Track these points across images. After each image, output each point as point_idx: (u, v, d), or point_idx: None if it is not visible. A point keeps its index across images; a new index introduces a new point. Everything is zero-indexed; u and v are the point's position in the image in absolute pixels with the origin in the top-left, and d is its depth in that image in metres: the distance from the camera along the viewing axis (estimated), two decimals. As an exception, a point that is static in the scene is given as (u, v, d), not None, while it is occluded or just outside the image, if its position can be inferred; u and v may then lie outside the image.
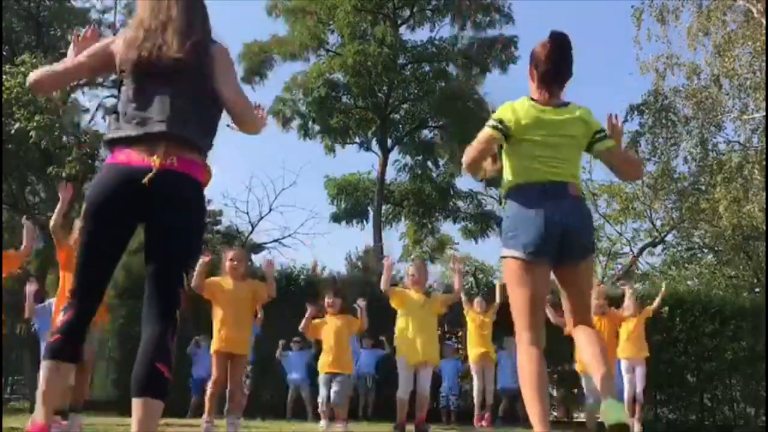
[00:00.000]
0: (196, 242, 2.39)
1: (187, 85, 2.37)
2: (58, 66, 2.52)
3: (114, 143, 2.35)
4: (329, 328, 6.68)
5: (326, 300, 6.79)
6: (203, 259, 5.36)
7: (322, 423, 6.87)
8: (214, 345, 5.43)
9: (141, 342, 2.22)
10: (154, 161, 2.24)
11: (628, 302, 7.52)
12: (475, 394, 8.68)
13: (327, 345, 6.69)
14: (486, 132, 3.02)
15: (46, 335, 2.42)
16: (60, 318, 2.30)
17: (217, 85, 2.42)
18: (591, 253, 3.02)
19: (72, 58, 2.53)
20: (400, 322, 6.21)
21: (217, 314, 5.49)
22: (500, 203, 24.12)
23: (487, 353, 8.49)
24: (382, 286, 6.17)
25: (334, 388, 6.66)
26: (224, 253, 5.89)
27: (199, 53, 2.39)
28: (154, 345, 2.20)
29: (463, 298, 7.70)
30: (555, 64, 3.03)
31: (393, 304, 6.25)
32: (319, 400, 6.87)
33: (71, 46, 2.62)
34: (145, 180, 2.21)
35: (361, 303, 6.74)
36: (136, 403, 2.11)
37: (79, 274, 2.35)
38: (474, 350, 8.49)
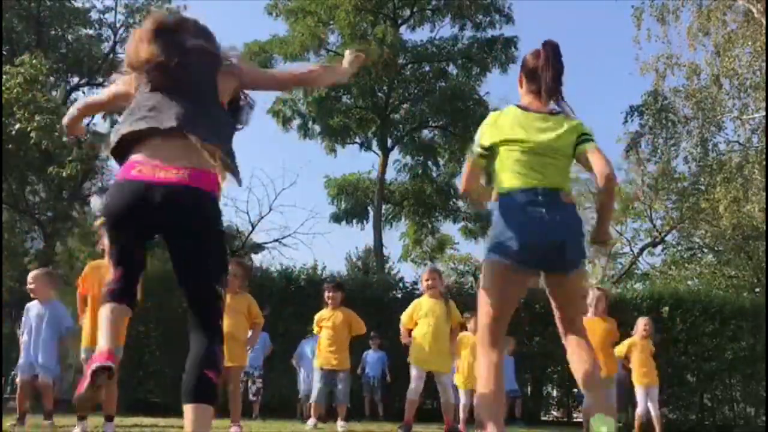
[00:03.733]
0: (218, 254, 2.35)
1: (200, 96, 2.38)
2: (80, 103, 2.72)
3: (122, 144, 2.34)
4: (328, 322, 6.64)
5: (326, 294, 6.75)
6: None
7: (310, 423, 6.80)
8: None
9: (189, 353, 2.24)
10: (167, 176, 2.21)
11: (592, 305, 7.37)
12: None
13: (325, 339, 6.63)
14: (472, 160, 3.10)
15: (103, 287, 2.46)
16: (110, 275, 2.35)
17: (255, 84, 2.60)
18: (579, 266, 2.94)
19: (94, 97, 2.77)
20: (415, 332, 6.15)
21: None
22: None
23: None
24: (404, 340, 6.18)
25: (338, 386, 6.63)
26: None
27: (211, 65, 2.45)
28: (202, 354, 2.21)
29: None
30: (545, 73, 2.99)
31: (410, 326, 6.18)
32: (313, 395, 6.75)
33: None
34: (157, 198, 2.19)
35: None
36: (188, 409, 2.14)
37: (115, 266, 2.35)
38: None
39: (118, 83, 2.58)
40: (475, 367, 2.94)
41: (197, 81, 2.41)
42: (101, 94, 2.71)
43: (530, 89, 3.07)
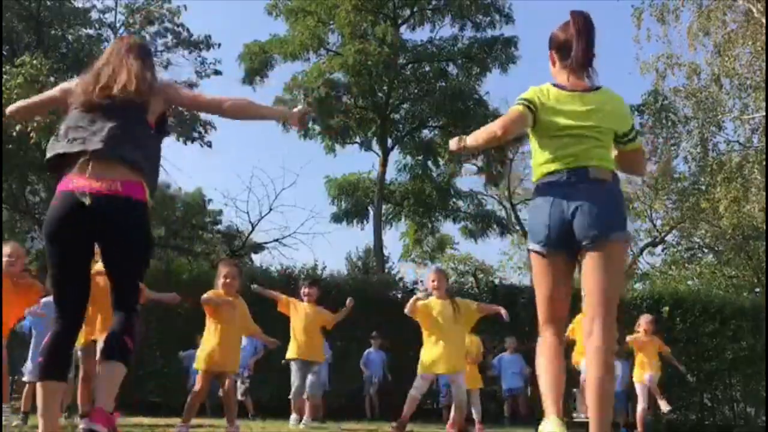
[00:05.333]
0: (144, 256, 2.73)
1: (128, 117, 2.71)
2: (21, 103, 3.07)
3: (55, 161, 2.67)
4: (300, 314, 6.77)
5: (303, 289, 6.89)
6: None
7: (293, 419, 6.80)
8: (202, 364, 5.33)
9: (111, 324, 2.66)
10: (99, 186, 2.54)
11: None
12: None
13: (297, 331, 6.78)
14: (515, 109, 2.86)
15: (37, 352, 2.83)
16: (45, 340, 2.64)
17: (184, 104, 3.05)
18: (604, 239, 2.69)
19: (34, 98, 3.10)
20: (425, 337, 6.08)
21: (209, 329, 5.44)
22: (501, 204, 24.17)
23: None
24: (407, 309, 6.03)
25: (311, 378, 6.73)
26: (219, 267, 5.69)
27: (142, 89, 2.75)
28: (122, 324, 2.62)
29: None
30: (581, 44, 2.85)
31: (417, 319, 6.12)
32: (293, 389, 6.78)
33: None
34: (87, 201, 2.51)
35: (349, 303, 6.82)
36: (104, 365, 2.56)
37: (56, 296, 2.69)
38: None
39: (56, 90, 2.97)
40: (536, 356, 2.88)
41: (125, 103, 2.72)
42: (42, 96, 3.09)
43: (564, 65, 2.92)
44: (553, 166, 2.83)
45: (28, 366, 6.33)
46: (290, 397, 6.93)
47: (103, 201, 2.54)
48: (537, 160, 2.91)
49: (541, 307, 2.87)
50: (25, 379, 6.64)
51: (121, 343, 2.57)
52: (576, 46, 2.85)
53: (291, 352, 6.83)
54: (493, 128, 2.87)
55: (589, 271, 2.73)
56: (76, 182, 2.57)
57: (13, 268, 4.81)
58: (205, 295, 5.34)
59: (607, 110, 2.86)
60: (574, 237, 2.74)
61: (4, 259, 4.80)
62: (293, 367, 6.81)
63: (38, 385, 2.56)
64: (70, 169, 2.62)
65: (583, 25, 2.87)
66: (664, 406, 7.71)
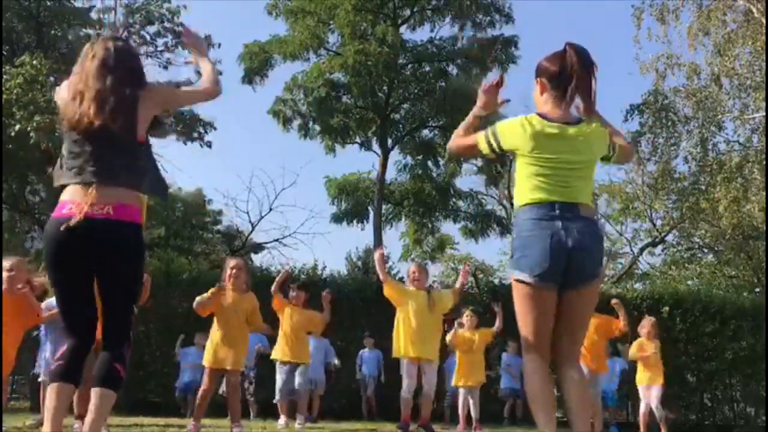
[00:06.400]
0: (137, 278, 2.78)
1: (114, 140, 2.69)
2: None
3: (62, 188, 2.73)
4: (288, 318, 6.81)
5: (290, 293, 6.93)
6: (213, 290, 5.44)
7: (281, 421, 6.84)
8: (208, 361, 5.38)
9: (102, 350, 2.71)
10: (88, 209, 2.59)
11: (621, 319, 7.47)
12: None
13: (284, 334, 6.84)
14: (480, 140, 2.95)
15: (50, 359, 2.85)
16: (61, 348, 2.72)
17: (167, 105, 2.92)
18: (592, 280, 2.85)
19: None
20: (397, 318, 6.23)
21: (215, 327, 5.46)
22: (501, 204, 24.16)
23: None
24: (380, 275, 6.23)
25: (298, 379, 6.81)
26: (226, 261, 5.75)
27: (117, 115, 2.69)
28: (114, 351, 2.70)
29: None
30: (583, 78, 2.85)
31: (386, 293, 6.26)
32: (278, 389, 6.86)
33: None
34: (74, 223, 2.56)
35: (325, 296, 6.83)
36: (95, 392, 2.61)
37: (65, 319, 2.74)
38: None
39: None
40: (525, 384, 2.95)
41: (119, 130, 2.70)
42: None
43: (553, 96, 2.92)
44: (544, 196, 2.83)
45: (41, 364, 6.33)
46: (275, 400, 7.02)
47: (96, 225, 2.59)
48: (524, 186, 2.89)
49: (530, 338, 2.86)
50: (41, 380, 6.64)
51: (113, 371, 2.65)
52: (577, 82, 2.84)
53: (277, 353, 6.92)
54: (455, 136, 3.06)
55: (577, 307, 2.87)
56: (69, 208, 2.64)
57: (13, 283, 4.50)
58: (194, 304, 5.40)
59: (592, 141, 2.92)
60: (569, 272, 2.79)
61: (5, 274, 4.48)
62: (279, 368, 6.88)
63: (50, 386, 2.64)
64: (70, 192, 2.70)
65: (584, 58, 2.86)
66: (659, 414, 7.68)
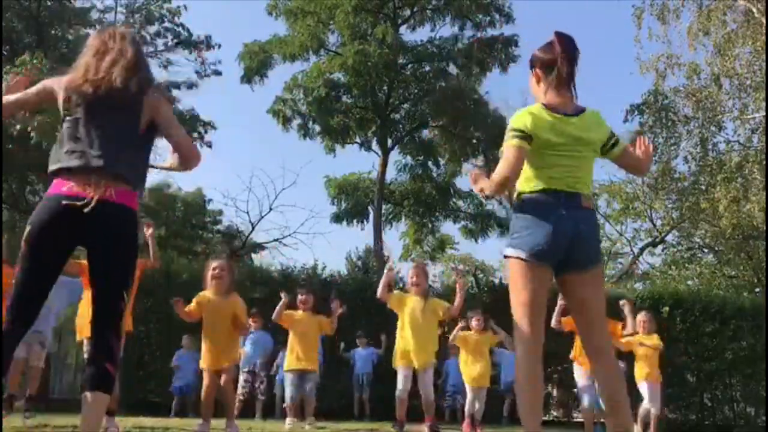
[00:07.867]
0: (132, 263, 2.73)
1: (122, 125, 2.69)
2: (10, 97, 2.86)
3: (56, 174, 2.66)
4: (298, 326, 6.74)
5: (299, 297, 6.83)
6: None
7: (288, 421, 6.85)
8: (203, 363, 5.40)
9: (91, 347, 2.63)
10: (94, 192, 2.57)
11: (629, 321, 7.48)
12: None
13: (294, 342, 6.75)
14: (514, 148, 2.88)
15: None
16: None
17: (167, 130, 2.80)
18: (597, 264, 2.98)
19: (21, 93, 2.88)
20: (399, 328, 6.23)
21: (203, 332, 5.45)
22: (501, 203, 24.16)
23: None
24: (378, 293, 6.17)
25: (308, 386, 6.78)
26: (207, 263, 5.53)
27: (143, 89, 2.71)
28: (104, 349, 2.61)
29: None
30: (569, 64, 2.95)
31: (391, 306, 6.28)
32: (287, 397, 6.84)
33: (5, 84, 2.96)
34: (87, 209, 2.54)
35: (335, 307, 6.76)
36: (87, 396, 2.52)
37: (17, 292, 2.60)
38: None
39: (39, 88, 2.83)
40: (515, 365, 2.95)
41: (120, 100, 2.68)
42: (28, 93, 2.88)
43: (550, 83, 2.98)
44: (546, 185, 2.91)
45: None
46: (285, 405, 7.01)
47: (98, 207, 2.57)
48: (527, 173, 2.96)
49: (523, 317, 2.89)
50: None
51: (103, 372, 2.58)
52: (566, 67, 2.95)
53: (289, 364, 6.82)
54: (504, 173, 2.91)
55: (590, 289, 2.97)
56: (70, 186, 2.60)
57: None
58: (183, 316, 5.40)
59: (593, 129, 3.00)
60: (569, 258, 2.89)
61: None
62: (288, 377, 6.82)
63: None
64: (68, 173, 2.64)
65: (570, 44, 2.98)
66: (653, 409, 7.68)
